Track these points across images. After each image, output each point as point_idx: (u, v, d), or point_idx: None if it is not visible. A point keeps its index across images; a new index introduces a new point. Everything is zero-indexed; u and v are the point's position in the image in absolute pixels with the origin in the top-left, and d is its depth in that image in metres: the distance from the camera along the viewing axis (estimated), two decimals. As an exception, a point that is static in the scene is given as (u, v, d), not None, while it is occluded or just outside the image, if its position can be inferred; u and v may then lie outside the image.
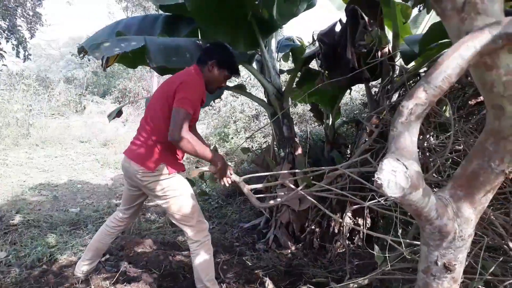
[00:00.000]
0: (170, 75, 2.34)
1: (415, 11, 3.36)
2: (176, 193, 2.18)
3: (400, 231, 1.68)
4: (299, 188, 2.25)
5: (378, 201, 1.57)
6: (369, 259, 3.09)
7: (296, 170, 2.55)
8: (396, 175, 0.72)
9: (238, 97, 7.82)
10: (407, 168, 0.72)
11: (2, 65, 14.60)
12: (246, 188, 2.27)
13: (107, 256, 2.92)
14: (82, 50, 3.08)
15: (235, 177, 2.29)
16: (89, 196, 5.22)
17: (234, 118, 7.21)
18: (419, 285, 1.04)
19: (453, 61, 0.72)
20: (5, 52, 15.05)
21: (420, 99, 0.74)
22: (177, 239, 3.40)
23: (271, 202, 2.38)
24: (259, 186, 2.52)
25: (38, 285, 2.45)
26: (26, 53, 15.46)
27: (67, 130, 10.15)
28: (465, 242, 0.95)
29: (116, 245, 3.14)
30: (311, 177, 2.45)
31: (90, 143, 9.50)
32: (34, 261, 2.83)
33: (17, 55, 15.45)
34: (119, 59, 3.03)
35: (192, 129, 2.37)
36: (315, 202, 2.03)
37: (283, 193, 3.11)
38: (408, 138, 0.76)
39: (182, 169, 2.24)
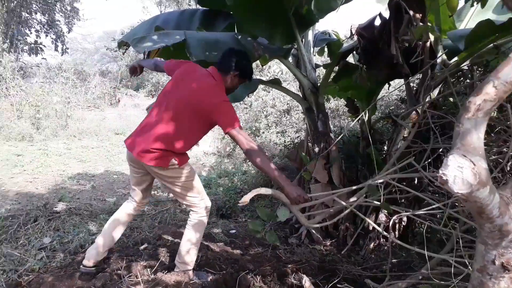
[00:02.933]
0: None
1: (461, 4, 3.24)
2: (183, 179, 2.32)
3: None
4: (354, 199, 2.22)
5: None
6: (405, 257, 3.05)
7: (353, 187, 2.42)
8: (462, 171, 0.71)
9: (269, 92, 7.83)
10: (474, 165, 0.71)
11: (42, 58, 15.22)
12: (296, 208, 2.09)
13: (146, 245, 3.01)
14: (124, 44, 3.17)
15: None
16: (125, 186, 5.39)
17: (265, 112, 7.22)
18: (474, 284, 1.02)
19: (526, 56, 0.70)
20: (44, 46, 15.67)
21: (488, 95, 0.73)
22: (211, 230, 3.46)
23: (317, 218, 2.36)
24: (307, 204, 2.38)
25: (82, 270, 2.56)
26: (64, 47, 16.05)
27: (103, 122, 10.49)
28: (525, 242, 0.93)
29: (154, 234, 3.23)
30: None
31: (125, 135, 9.78)
32: (77, 247, 2.95)
33: (56, 49, 16.06)
34: (161, 53, 3.10)
35: None
36: (355, 210, 2.01)
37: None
38: (474, 134, 0.74)
39: (188, 159, 2.36)
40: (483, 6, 2.01)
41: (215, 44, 2.92)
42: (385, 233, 2.39)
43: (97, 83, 13.84)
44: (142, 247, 2.95)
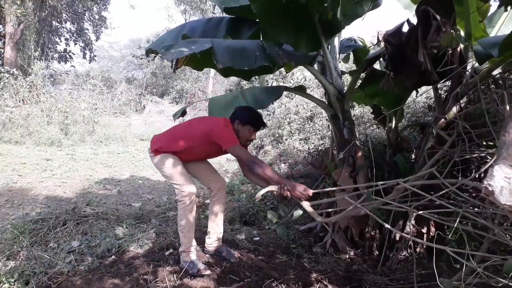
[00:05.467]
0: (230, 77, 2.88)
1: (492, 9, 3.16)
2: (165, 167, 2.76)
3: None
4: (358, 201, 2.18)
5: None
6: (433, 268, 2.95)
7: (362, 184, 2.49)
8: (510, 181, 0.68)
9: (292, 99, 7.81)
10: (522, 176, 0.68)
11: (71, 66, 15.71)
12: (307, 205, 2.37)
13: (171, 250, 3.04)
14: (152, 52, 3.23)
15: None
16: (150, 191, 5.46)
17: (289, 119, 7.20)
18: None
19: None
20: (73, 54, 16.19)
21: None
22: (235, 237, 3.46)
23: (333, 217, 2.36)
24: (321, 201, 2.49)
25: (109, 274, 2.61)
26: (92, 55, 16.52)
27: (128, 128, 10.72)
28: None
29: (179, 240, 3.25)
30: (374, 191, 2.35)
31: (149, 141, 9.94)
32: (104, 251, 3.01)
33: (84, 57, 16.56)
34: (189, 61, 3.14)
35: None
36: (374, 215, 1.98)
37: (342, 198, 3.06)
38: (522, 144, 0.71)
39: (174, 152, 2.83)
40: (506, 9, 1.95)
41: (241, 51, 2.94)
42: (419, 240, 2.31)
43: (123, 90, 14.17)
44: (167, 253, 2.98)
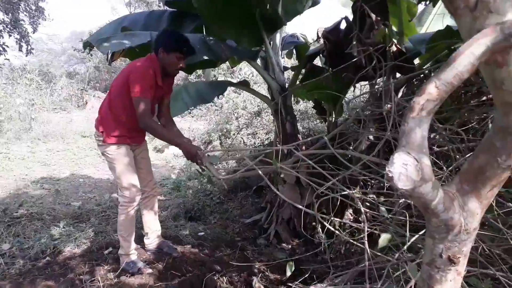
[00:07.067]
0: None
1: (420, 9, 3.37)
2: (108, 157, 2.56)
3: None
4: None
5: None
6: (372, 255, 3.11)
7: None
8: (407, 168, 0.74)
9: (240, 94, 7.84)
10: (417, 162, 0.75)
11: (5, 59, 14.57)
12: (206, 160, 2.40)
13: (110, 249, 2.95)
14: (88, 45, 3.10)
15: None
16: (91, 190, 5.25)
17: (236, 114, 7.23)
18: (423, 278, 1.06)
19: (465, 58, 0.74)
20: (7, 46, 15.00)
21: (431, 95, 0.76)
22: (179, 233, 3.43)
23: (233, 174, 2.53)
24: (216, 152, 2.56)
25: (42, 276, 2.48)
26: (29, 48, 15.42)
27: (69, 124, 10.17)
28: (470, 236, 0.97)
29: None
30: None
31: (92, 138, 9.49)
32: (38, 253, 2.86)
33: (20, 49, 15.41)
34: (126, 54, 3.05)
35: (163, 114, 2.76)
36: (307, 180, 2.06)
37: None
38: (419, 133, 0.78)
39: (125, 142, 2.59)
40: (434, 5, 2.13)
41: (182, 45, 2.90)
42: (350, 223, 2.43)
43: (63, 85, 13.39)
44: (106, 252, 2.89)
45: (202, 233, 3.50)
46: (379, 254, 2.05)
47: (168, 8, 3.73)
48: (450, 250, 0.98)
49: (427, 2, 2.41)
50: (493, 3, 0.75)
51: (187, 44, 2.50)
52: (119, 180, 2.55)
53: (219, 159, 3.55)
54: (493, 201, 1.77)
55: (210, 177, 2.72)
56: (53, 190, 5.01)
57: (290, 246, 3.30)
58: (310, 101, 5.23)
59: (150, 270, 2.58)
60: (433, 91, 0.76)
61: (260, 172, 2.18)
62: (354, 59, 2.75)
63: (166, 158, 7.66)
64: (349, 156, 3.51)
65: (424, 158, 0.76)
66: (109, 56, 2.76)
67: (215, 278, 2.47)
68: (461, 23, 0.82)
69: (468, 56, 0.73)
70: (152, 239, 2.95)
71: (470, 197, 0.94)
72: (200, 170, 2.61)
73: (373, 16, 2.77)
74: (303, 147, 3.50)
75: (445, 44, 2.58)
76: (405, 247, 1.89)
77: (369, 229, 2.18)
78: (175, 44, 2.45)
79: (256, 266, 2.78)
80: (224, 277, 2.54)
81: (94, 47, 2.94)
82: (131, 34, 2.86)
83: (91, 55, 13.45)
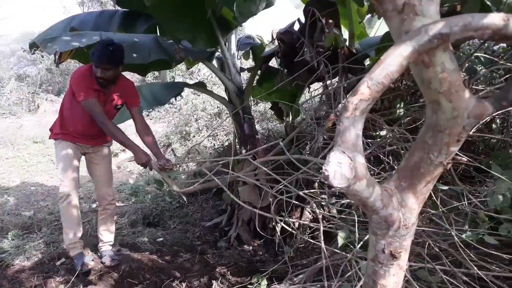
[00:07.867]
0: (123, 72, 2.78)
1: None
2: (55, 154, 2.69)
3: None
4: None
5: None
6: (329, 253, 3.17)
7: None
8: (341, 166, 0.75)
9: (199, 95, 7.76)
10: (351, 160, 0.76)
11: None
12: (165, 175, 2.53)
13: (63, 259, 2.81)
14: (34, 46, 2.95)
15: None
16: (44, 198, 4.99)
17: (196, 116, 7.15)
18: (368, 273, 1.09)
19: (394, 59, 0.76)
20: None
21: (364, 94, 0.78)
22: (137, 240, 3.33)
23: (191, 187, 2.58)
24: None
25: (-13, 293, 2.33)
26: (-28, 49, 14.50)
27: (19, 130, 9.61)
28: (409, 230, 1.01)
29: (72, 247, 3.03)
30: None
31: (45, 143, 9.02)
32: (-17, 267, 2.68)
33: (-38, 51, 14.46)
34: (74, 55, 2.93)
35: (137, 121, 2.74)
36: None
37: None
38: (353, 132, 0.79)
39: (66, 139, 2.66)
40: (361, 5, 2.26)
41: (133, 45, 2.83)
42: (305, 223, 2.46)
43: (13, 88, 12.66)
44: (58, 263, 2.76)
45: (161, 239, 3.43)
46: (337, 251, 2.09)
47: (120, 8, 3.62)
48: (391, 245, 1.01)
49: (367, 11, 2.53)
50: (419, 6, 0.78)
51: (110, 57, 2.45)
52: (58, 170, 2.63)
53: (176, 175, 3.57)
54: (437, 198, 1.87)
55: (170, 190, 2.78)
56: (1, 200, 4.73)
57: (251, 248, 3.30)
58: (269, 102, 5.27)
59: (93, 263, 2.61)
60: (365, 91, 0.78)
61: (219, 182, 2.21)
62: (308, 64, 2.79)
63: (123, 163, 7.44)
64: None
65: (358, 156, 0.78)
66: (57, 57, 2.64)
67: (174, 285, 2.42)
68: (390, 25, 0.85)
69: (397, 56, 0.76)
70: (106, 249, 2.85)
71: (408, 193, 0.97)
72: (159, 187, 2.74)
73: (323, 20, 2.83)
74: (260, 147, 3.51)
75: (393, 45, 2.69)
76: (359, 245, 1.95)
77: (324, 228, 2.20)
78: (99, 60, 2.45)
79: (217, 270, 2.76)
80: (183, 283, 2.50)
81: (38, 48, 2.81)
82: (80, 34, 2.76)
83: (43, 56, 12.81)
